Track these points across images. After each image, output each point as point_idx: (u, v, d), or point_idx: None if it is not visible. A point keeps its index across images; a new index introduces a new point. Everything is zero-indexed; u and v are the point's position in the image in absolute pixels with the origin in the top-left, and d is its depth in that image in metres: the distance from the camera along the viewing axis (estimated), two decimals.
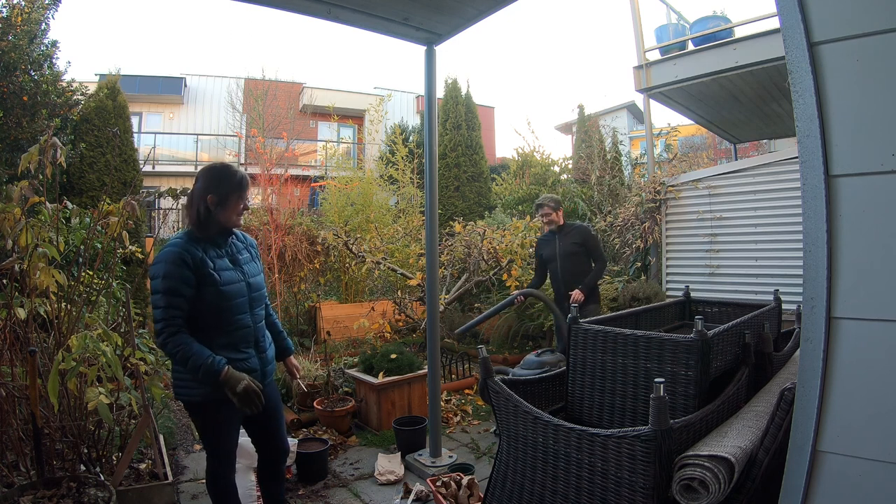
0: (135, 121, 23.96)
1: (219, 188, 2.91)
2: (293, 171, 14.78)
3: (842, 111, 1.50)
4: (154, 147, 22.49)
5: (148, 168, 22.15)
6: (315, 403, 5.70)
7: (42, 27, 8.45)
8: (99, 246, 4.88)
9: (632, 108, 26.00)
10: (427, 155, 4.50)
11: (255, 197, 9.81)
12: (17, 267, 3.53)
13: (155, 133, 23.37)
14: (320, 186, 13.44)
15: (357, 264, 8.80)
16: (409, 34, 4.31)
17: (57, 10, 8.83)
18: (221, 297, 2.84)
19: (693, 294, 4.65)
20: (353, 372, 6.04)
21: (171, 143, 23.78)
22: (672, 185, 8.81)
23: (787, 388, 2.14)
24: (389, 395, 5.62)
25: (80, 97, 9.20)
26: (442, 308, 7.14)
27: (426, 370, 5.32)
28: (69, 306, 3.91)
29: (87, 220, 5.43)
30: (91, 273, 4.43)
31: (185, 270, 2.75)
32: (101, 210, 4.17)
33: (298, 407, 5.88)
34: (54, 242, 3.66)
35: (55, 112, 8.39)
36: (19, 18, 7.92)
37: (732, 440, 2.22)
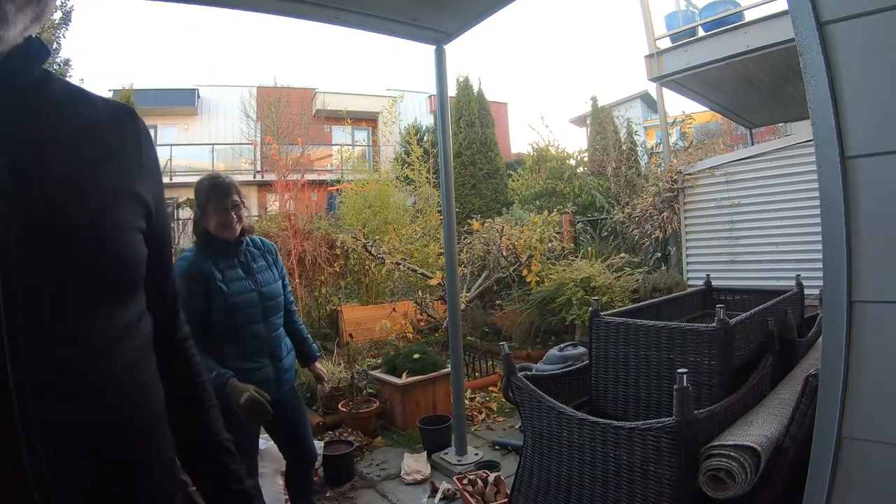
0: (150, 133, 24.17)
1: (197, 200, 2.95)
2: (309, 176, 14.85)
3: (855, 91, 1.47)
4: (170, 159, 22.78)
5: (165, 180, 22.29)
6: (340, 406, 5.73)
7: (53, 46, 8.56)
8: None
9: (645, 98, 25.80)
10: (441, 154, 4.51)
11: (272, 203, 9.86)
12: None
13: (171, 145, 23.52)
14: (337, 190, 13.47)
15: (377, 266, 8.82)
16: (418, 34, 4.32)
17: (67, 29, 8.96)
18: (231, 309, 2.86)
19: (714, 282, 4.61)
20: (376, 373, 6.07)
21: (187, 153, 23.83)
22: (689, 174, 8.76)
23: (811, 374, 2.12)
24: (414, 395, 5.64)
25: None
26: (463, 306, 7.14)
27: (449, 369, 5.33)
28: None
29: None
30: None
31: (193, 284, 2.79)
32: None
33: (324, 410, 5.91)
34: None
35: None
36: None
37: (758, 429, 2.20)
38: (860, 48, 1.47)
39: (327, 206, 15.03)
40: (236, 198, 2.96)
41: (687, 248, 8.90)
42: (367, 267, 9.42)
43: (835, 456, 1.48)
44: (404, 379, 5.61)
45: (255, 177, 22.72)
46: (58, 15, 8.94)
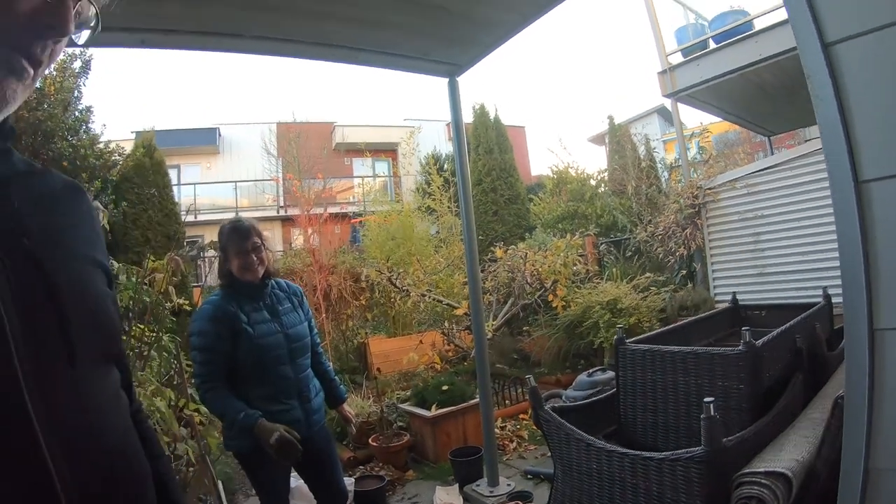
0: (174, 173, 24.32)
1: (219, 244, 3.03)
2: (332, 210, 14.98)
3: (866, 113, 1.45)
4: (195, 197, 23.09)
5: (190, 218, 22.45)
6: (370, 440, 5.72)
7: (75, 94, 8.80)
8: (148, 300, 5.02)
9: (662, 112, 25.70)
10: (460, 183, 4.54)
11: (296, 238, 9.99)
12: None
13: (194, 184, 23.87)
14: (360, 223, 13.58)
15: (402, 298, 8.85)
16: (431, 68, 4.37)
17: (88, 77, 9.20)
18: (257, 351, 2.88)
19: (742, 297, 4.57)
20: (406, 406, 6.07)
21: (210, 192, 24.21)
22: (710, 188, 8.71)
23: (840, 395, 2.09)
24: (444, 427, 5.62)
25: (118, 158, 9.52)
26: (490, 335, 7.14)
27: (478, 399, 5.32)
28: None
29: (134, 278, 5.59)
30: (143, 327, 4.55)
31: (219, 326, 2.84)
32: (146, 267, 4.32)
33: (354, 444, 5.91)
34: None
35: (95, 175, 8.68)
36: (52, 88, 8.27)
37: (789, 453, 2.18)
38: (869, 67, 1.44)
39: (351, 239, 15.14)
40: (257, 240, 3.00)
41: (712, 263, 8.83)
42: (392, 299, 9.47)
43: (863, 488, 1.45)
44: (434, 411, 5.60)
45: (278, 212, 22.97)
46: (77, 63, 9.19)
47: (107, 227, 4.02)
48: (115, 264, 4.35)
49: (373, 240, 11.24)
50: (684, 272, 9.18)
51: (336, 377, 3.52)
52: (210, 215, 23.12)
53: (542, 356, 8.36)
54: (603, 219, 11.99)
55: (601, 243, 11.03)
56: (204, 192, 24.04)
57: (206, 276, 20.21)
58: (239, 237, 2.97)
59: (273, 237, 23.23)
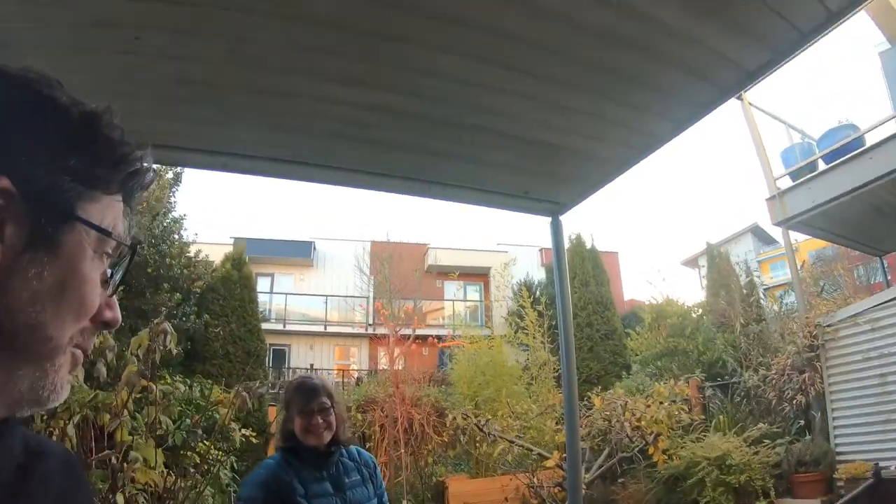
0: (266, 281, 25.42)
1: (284, 399, 2.72)
2: (421, 332, 14.85)
3: None
4: (285, 307, 23.94)
5: (279, 326, 23.17)
6: None
7: (164, 203, 9.13)
8: (218, 417, 4.79)
9: (755, 231, 25.00)
10: (562, 330, 4.03)
11: (382, 357, 9.81)
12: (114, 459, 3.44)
13: (286, 294, 24.61)
14: (448, 347, 13.24)
15: (489, 445, 8.23)
16: (532, 207, 4.01)
17: (179, 188, 9.58)
18: None
19: (867, 449, 3.86)
20: None
21: (301, 302, 24.73)
22: (828, 326, 7.94)
23: None
24: None
25: (203, 270, 9.67)
26: (583, 492, 6.44)
27: None
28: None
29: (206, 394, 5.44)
30: (208, 444, 4.28)
31: (268, 496, 2.42)
32: (211, 399, 4.15)
33: None
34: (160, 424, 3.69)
35: (177, 286, 8.87)
36: (143, 204, 8.55)
37: None
38: None
39: (438, 363, 14.85)
40: (325, 400, 2.60)
41: (833, 410, 7.89)
42: (478, 441, 8.87)
43: None
44: None
45: (367, 329, 23.07)
46: (169, 174, 9.58)
47: (172, 348, 3.84)
48: (181, 387, 4.20)
49: (461, 375, 10.84)
50: (801, 422, 8.25)
51: None
52: (299, 325, 23.66)
53: None
54: (705, 356, 11.18)
55: (707, 388, 10.20)
56: (295, 302, 24.67)
57: (287, 375, 20.23)
58: (305, 394, 2.60)
59: (360, 354, 23.25)
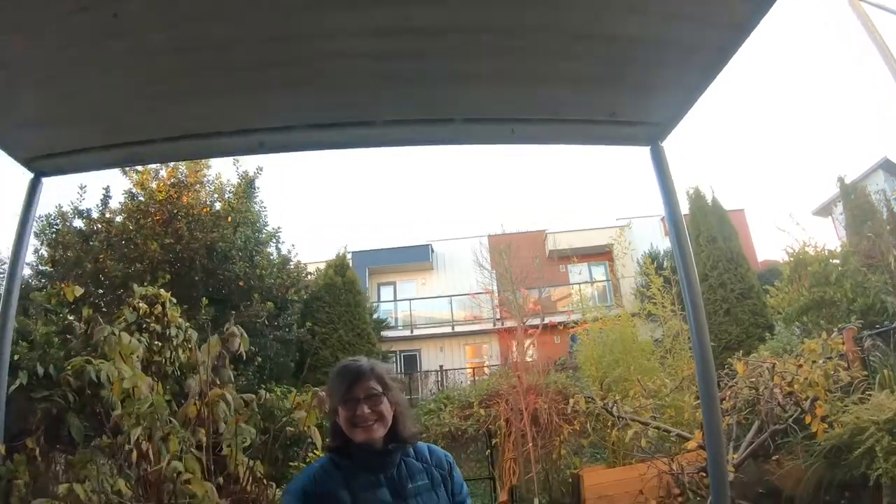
0: (389, 290, 25.87)
1: (329, 393, 2.22)
2: (552, 319, 14.31)
3: None
4: (410, 312, 24.35)
5: (406, 333, 23.54)
6: None
7: (245, 214, 9.38)
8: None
9: (886, 166, 22.45)
10: (684, 281, 3.27)
11: (514, 350, 9.37)
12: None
13: (409, 299, 25.03)
14: (575, 332, 12.52)
15: (620, 430, 7.35)
16: (623, 135, 3.28)
17: (257, 195, 9.94)
18: None
19: None
20: None
21: (426, 306, 24.91)
22: None
23: None
24: None
25: (297, 277, 9.64)
26: (731, 475, 5.50)
27: None
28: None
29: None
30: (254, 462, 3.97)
31: None
32: (291, 402, 3.83)
33: None
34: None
35: (270, 296, 8.95)
36: (229, 219, 8.90)
37: None
38: None
39: (570, 349, 14.23)
40: (374, 386, 2.07)
41: None
42: (609, 426, 8.07)
43: None
44: None
45: (494, 325, 22.71)
46: (235, 180, 9.89)
47: (244, 355, 3.57)
48: (265, 395, 3.98)
49: (587, 356, 10.11)
50: None
51: None
52: (426, 329, 23.79)
53: (797, 491, 6.57)
54: (857, 303, 9.82)
55: (865, 338, 8.89)
56: (420, 307, 24.91)
57: (420, 389, 20.24)
58: (346, 379, 2.09)
59: (492, 350, 22.91)
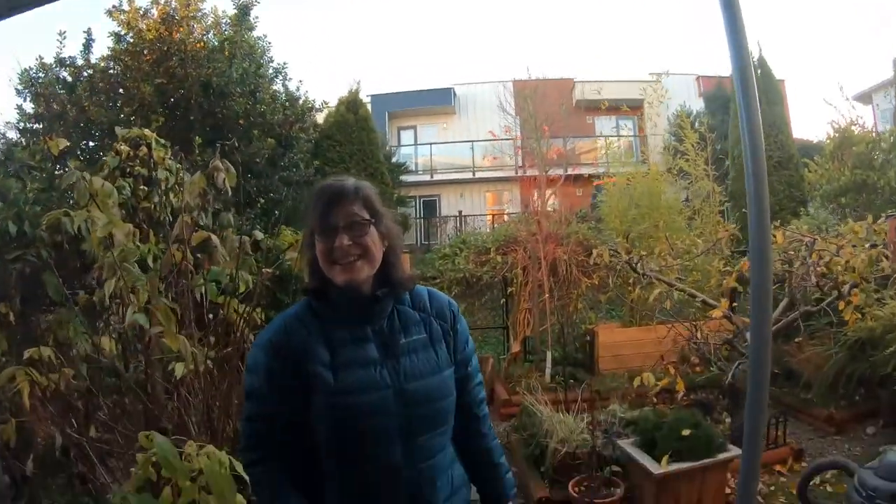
0: (409, 134, 25.28)
1: (305, 219, 1.75)
2: (577, 170, 13.81)
3: None
4: (431, 157, 23.80)
5: (426, 177, 23.21)
6: (571, 485, 4.29)
7: (265, 52, 9.09)
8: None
9: None
10: (745, 124, 2.80)
11: (536, 199, 8.98)
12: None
13: (430, 144, 24.34)
14: (602, 185, 12.07)
15: (643, 288, 6.87)
16: None
17: (254, 28, 9.42)
18: (337, 415, 1.56)
19: None
20: (625, 445, 4.43)
21: (447, 151, 24.29)
22: None
23: None
24: (673, 490, 3.99)
25: (303, 111, 9.18)
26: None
27: (730, 453, 3.85)
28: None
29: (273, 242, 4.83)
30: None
31: (274, 363, 1.58)
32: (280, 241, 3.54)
33: (552, 479, 4.54)
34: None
35: (272, 132, 8.59)
36: (226, 52, 8.43)
37: None
38: None
39: (593, 204, 13.87)
40: (360, 212, 1.64)
41: None
42: (631, 284, 7.78)
43: None
44: (664, 467, 3.93)
45: (516, 172, 22.23)
46: (229, 10, 9.37)
47: (229, 190, 3.28)
48: (260, 237, 3.74)
49: (612, 207, 9.65)
50: None
51: (503, 460, 1.95)
52: (446, 174, 23.43)
53: (813, 377, 6.33)
54: None
55: None
56: (441, 151, 24.22)
57: (440, 235, 20.10)
58: (324, 202, 1.63)
59: (512, 198, 22.46)
